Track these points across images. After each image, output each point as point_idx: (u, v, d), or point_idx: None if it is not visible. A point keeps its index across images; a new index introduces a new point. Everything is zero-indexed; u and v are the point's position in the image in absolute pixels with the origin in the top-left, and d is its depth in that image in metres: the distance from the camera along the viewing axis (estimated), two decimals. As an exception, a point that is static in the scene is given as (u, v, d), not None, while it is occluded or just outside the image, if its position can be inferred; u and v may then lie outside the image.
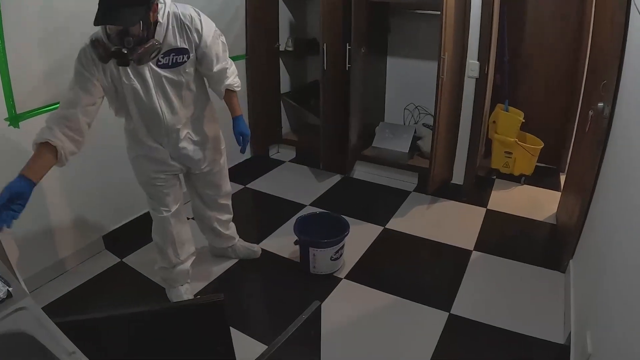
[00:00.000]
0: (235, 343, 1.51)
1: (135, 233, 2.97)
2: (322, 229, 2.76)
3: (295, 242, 2.70)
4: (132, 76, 1.93)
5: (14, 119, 2.30)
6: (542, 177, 3.91)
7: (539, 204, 3.54)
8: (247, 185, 3.78)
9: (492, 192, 3.72)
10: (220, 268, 2.76)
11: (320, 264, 2.66)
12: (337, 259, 2.69)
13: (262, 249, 2.93)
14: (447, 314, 2.41)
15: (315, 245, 2.61)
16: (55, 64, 2.39)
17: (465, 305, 2.47)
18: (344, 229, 2.70)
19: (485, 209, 3.46)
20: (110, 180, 2.84)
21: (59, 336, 1.00)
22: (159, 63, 1.95)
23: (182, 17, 1.93)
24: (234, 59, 2.66)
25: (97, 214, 2.85)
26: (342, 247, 2.70)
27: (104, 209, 2.88)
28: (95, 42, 1.78)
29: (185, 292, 2.47)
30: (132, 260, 2.84)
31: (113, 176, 2.83)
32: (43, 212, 2.55)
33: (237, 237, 2.81)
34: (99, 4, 1.68)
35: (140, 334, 1.41)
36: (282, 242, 3.00)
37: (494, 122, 3.75)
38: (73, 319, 1.30)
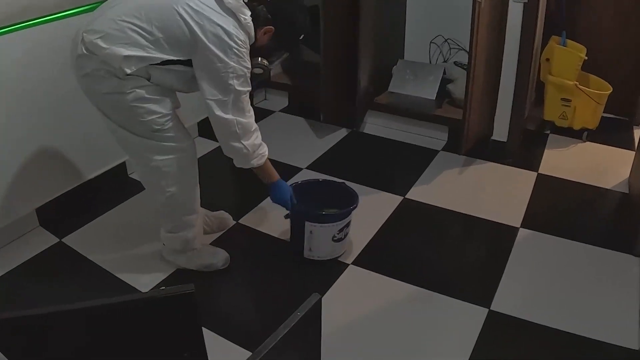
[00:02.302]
0: (209, 348, 1.50)
1: (77, 206, 2.97)
2: (323, 200, 2.73)
3: (286, 216, 2.67)
4: None
5: None
6: (610, 132, 3.90)
7: (606, 166, 3.53)
8: (224, 143, 3.76)
9: (545, 151, 3.72)
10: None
11: (319, 245, 2.63)
12: (340, 239, 2.65)
13: (244, 226, 2.94)
14: (487, 310, 2.41)
15: (312, 218, 2.57)
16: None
17: (509, 299, 2.47)
18: (351, 200, 2.65)
19: (536, 173, 3.46)
20: (45, 141, 2.81)
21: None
22: None
23: None
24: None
25: (29, 182, 2.81)
26: (348, 224, 2.66)
27: (37, 175, 2.84)
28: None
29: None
30: (73, 240, 2.84)
31: (48, 136, 2.79)
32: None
33: None
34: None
35: (85, 336, 1.39)
36: (269, 216, 3.00)
37: (548, 59, 3.72)
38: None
